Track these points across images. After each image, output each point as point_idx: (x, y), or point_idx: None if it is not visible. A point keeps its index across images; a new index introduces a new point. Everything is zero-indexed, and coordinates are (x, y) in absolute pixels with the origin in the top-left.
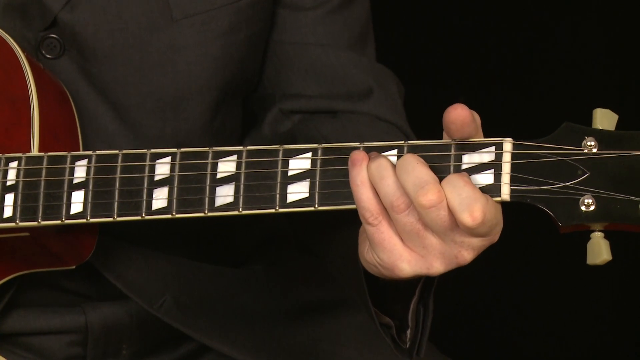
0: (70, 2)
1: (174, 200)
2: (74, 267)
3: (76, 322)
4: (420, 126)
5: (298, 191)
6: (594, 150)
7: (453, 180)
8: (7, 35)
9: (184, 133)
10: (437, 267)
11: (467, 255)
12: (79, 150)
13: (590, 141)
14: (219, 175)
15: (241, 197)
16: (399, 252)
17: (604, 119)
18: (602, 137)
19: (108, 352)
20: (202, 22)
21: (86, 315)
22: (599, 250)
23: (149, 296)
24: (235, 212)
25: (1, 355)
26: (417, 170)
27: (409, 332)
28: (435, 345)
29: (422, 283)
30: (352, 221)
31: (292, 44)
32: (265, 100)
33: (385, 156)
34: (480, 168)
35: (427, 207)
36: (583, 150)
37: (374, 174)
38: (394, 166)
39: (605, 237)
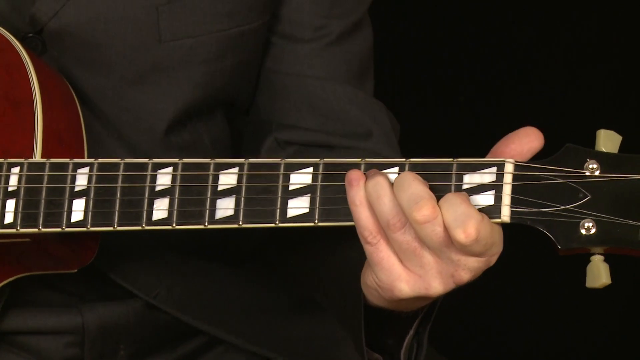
0: (58, 14)
1: (175, 212)
2: (75, 270)
3: (73, 322)
4: (419, 136)
5: (298, 206)
6: (596, 173)
7: (450, 198)
8: (12, 36)
9: (158, 150)
10: (435, 286)
11: (464, 275)
12: (84, 153)
13: (593, 164)
14: (219, 188)
15: (241, 211)
16: (398, 272)
17: (608, 140)
18: (604, 160)
19: (105, 354)
20: (190, 46)
21: (83, 316)
22: (598, 273)
23: (143, 287)
24: (235, 226)
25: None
26: (412, 186)
27: None
28: (434, 346)
29: (420, 319)
30: (348, 247)
31: (289, 74)
32: (262, 127)
33: (382, 174)
34: (480, 189)
35: (421, 222)
36: (585, 172)
37: (371, 193)
38: (391, 184)
39: (605, 260)
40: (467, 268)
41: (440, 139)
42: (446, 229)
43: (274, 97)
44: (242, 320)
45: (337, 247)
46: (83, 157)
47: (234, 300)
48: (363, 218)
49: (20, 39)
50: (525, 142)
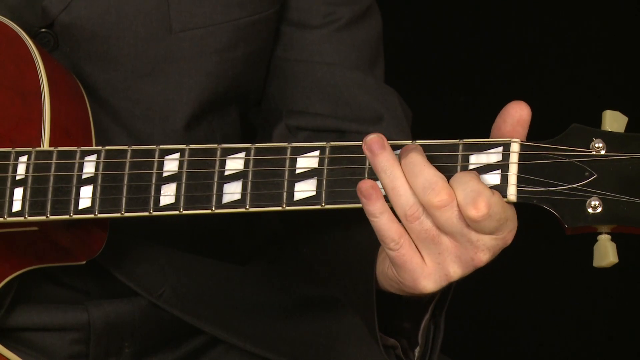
0: (69, 6)
1: (182, 197)
2: (84, 262)
3: (79, 319)
4: (422, 127)
5: (305, 189)
6: (602, 152)
7: (459, 177)
8: (21, 30)
9: (171, 141)
10: (455, 270)
11: (482, 257)
12: (91, 146)
13: (599, 143)
14: (227, 173)
15: (248, 195)
16: (421, 270)
17: (614, 121)
18: (611, 139)
19: (110, 351)
20: (201, 36)
21: (89, 313)
22: (605, 252)
23: (147, 286)
24: (243, 210)
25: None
26: (424, 172)
27: (417, 350)
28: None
29: (436, 301)
30: (357, 233)
31: (298, 61)
32: (272, 115)
33: (394, 161)
34: (487, 168)
35: (439, 207)
36: (591, 152)
37: (386, 183)
38: (404, 175)
39: (612, 239)
40: (486, 248)
41: (446, 127)
42: (460, 209)
43: (284, 85)
44: (245, 320)
45: (347, 235)
46: None
47: (238, 300)
48: (385, 229)
49: (32, 35)
50: (516, 118)
